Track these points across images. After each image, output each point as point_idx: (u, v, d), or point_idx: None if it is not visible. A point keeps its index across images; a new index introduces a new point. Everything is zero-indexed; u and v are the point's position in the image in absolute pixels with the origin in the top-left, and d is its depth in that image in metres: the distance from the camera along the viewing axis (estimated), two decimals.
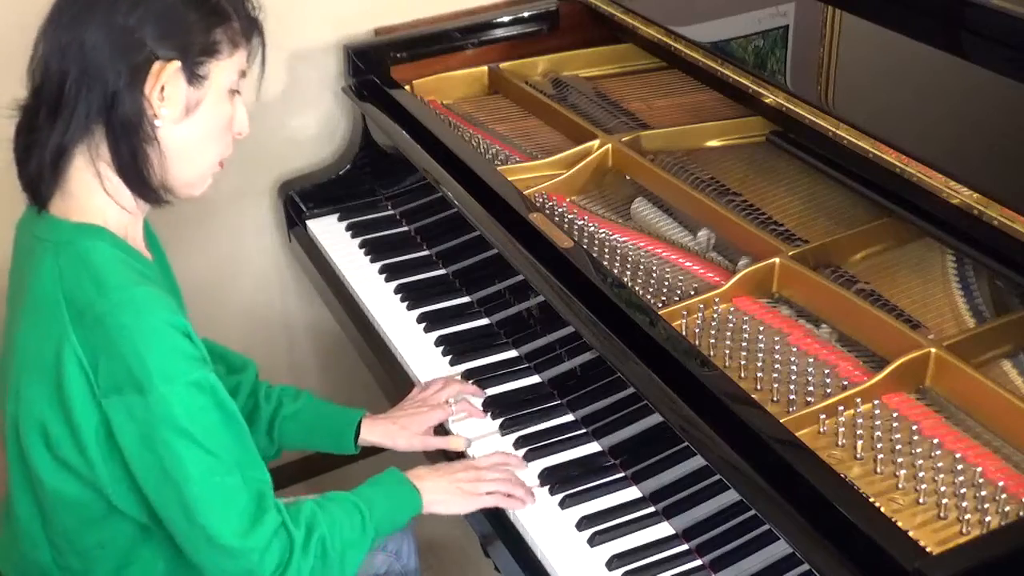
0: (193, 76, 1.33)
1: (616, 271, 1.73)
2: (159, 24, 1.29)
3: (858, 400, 1.46)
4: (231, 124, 1.41)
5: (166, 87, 1.31)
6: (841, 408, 1.46)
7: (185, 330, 1.31)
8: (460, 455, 1.68)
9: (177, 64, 1.30)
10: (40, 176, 1.34)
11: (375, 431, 1.71)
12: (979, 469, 1.37)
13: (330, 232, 2.21)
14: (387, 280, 2.04)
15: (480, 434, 1.69)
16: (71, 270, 1.31)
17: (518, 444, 1.65)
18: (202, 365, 1.32)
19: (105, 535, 1.39)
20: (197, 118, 1.35)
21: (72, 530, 1.40)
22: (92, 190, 1.35)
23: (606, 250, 1.78)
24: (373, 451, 2.55)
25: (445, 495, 1.55)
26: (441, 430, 1.72)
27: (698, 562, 1.45)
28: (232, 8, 1.36)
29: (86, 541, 1.40)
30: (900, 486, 1.37)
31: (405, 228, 2.19)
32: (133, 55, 1.29)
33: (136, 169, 1.33)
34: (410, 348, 1.88)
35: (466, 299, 1.97)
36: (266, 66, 1.45)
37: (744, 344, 1.58)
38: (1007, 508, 1.32)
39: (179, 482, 1.30)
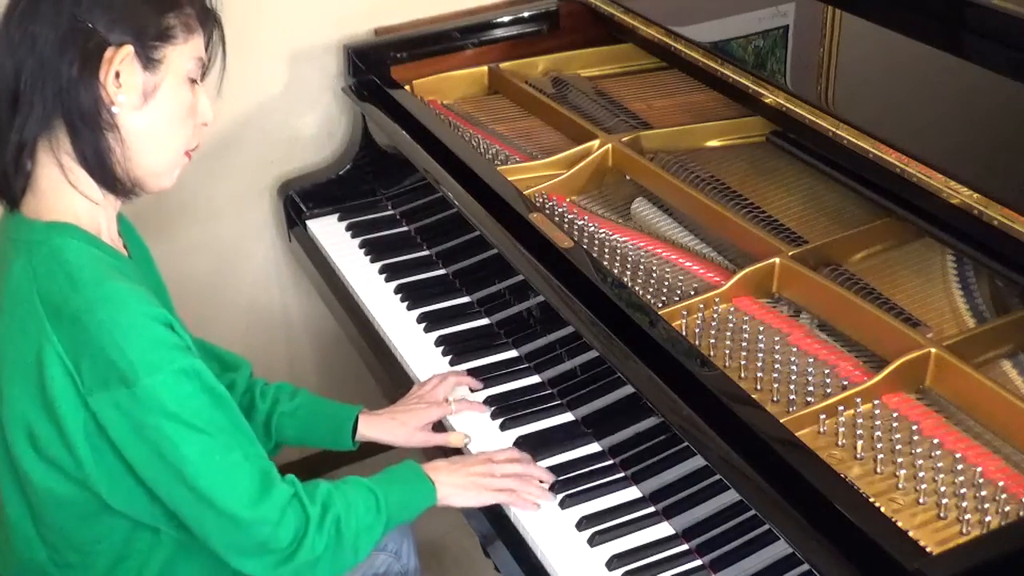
0: (148, 60, 1.31)
1: (616, 271, 1.73)
2: (109, 10, 1.28)
3: (858, 400, 1.46)
4: (193, 112, 1.38)
5: (121, 73, 1.29)
6: (841, 408, 1.46)
7: (165, 319, 1.30)
8: (457, 452, 1.68)
9: (130, 49, 1.29)
10: (5, 174, 1.33)
11: (372, 427, 1.71)
12: (979, 469, 1.37)
13: (330, 232, 2.21)
14: (387, 280, 2.04)
15: (480, 433, 1.69)
16: (44, 269, 1.30)
17: (518, 444, 1.65)
18: (186, 352, 1.31)
19: (100, 530, 1.39)
20: (156, 104, 1.33)
21: (66, 527, 1.39)
22: (60, 186, 1.34)
23: (606, 250, 1.78)
24: (375, 452, 2.56)
25: (460, 488, 1.55)
26: (440, 427, 1.73)
27: (698, 562, 1.45)
28: None
29: (82, 536, 1.40)
30: (900, 486, 1.37)
31: (405, 228, 2.19)
32: (84, 43, 1.27)
33: (99, 159, 1.32)
34: (410, 348, 1.89)
35: (466, 299, 1.97)
36: (227, 61, 1.42)
37: (744, 344, 1.58)
38: (1007, 508, 1.32)
39: (178, 466, 1.29)
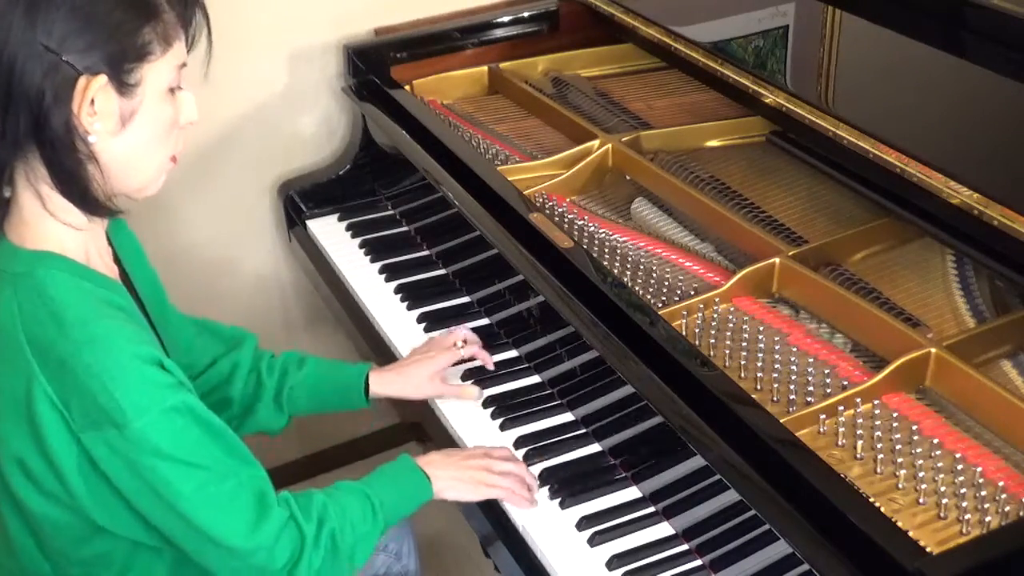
0: (123, 86, 1.25)
1: (616, 271, 1.73)
2: (80, 35, 1.21)
3: (858, 400, 1.46)
4: (175, 122, 1.32)
5: (96, 101, 1.23)
6: (841, 408, 1.46)
7: (153, 358, 1.27)
8: (453, 444, 1.68)
9: (104, 78, 1.23)
10: None
11: (384, 382, 1.71)
12: (979, 469, 1.37)
13: (330, 232, 2.21)
14: (387, 280, 2.04)
15: (480, 433, 1.69)
16: (29, 305, 1.27)
17: (518, 444, 1.65)
18: (176, 390, 1.28)
19: (100, 550, 1.39)
20: (135, 127, 1.28)
21: (66, 548, 1.38)
22: (41, 216, 1.29)
23: (606, 250, 1.78)
24: (376, 448, 2.57)
25: (456, 482, 1.54)
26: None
27: (698, 562, 1.45)
28: None
29: (82, 554, 1.39)
30: (900, 486, 1.37)
31: (405, 228, 2.19)
32: (55, 72, 1.21)
33: (78, 188, 1.27)
34: (410, 348, 1.88)
35: (466, 299, 1.97)
36: (213, 43, 1.35)
37: (744, 344, 1.58)
38: (1007, 508, 1.32)
39: (173, 501, 1.29)
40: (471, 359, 1.78)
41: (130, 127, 1.28)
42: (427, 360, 1.72)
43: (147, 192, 1.36)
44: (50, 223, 1.31)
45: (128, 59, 1.25)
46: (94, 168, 1.28)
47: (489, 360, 1.75)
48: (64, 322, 1.26)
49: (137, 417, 1.24)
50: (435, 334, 1.86)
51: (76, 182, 1.27)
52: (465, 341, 1.76)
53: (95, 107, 1.24)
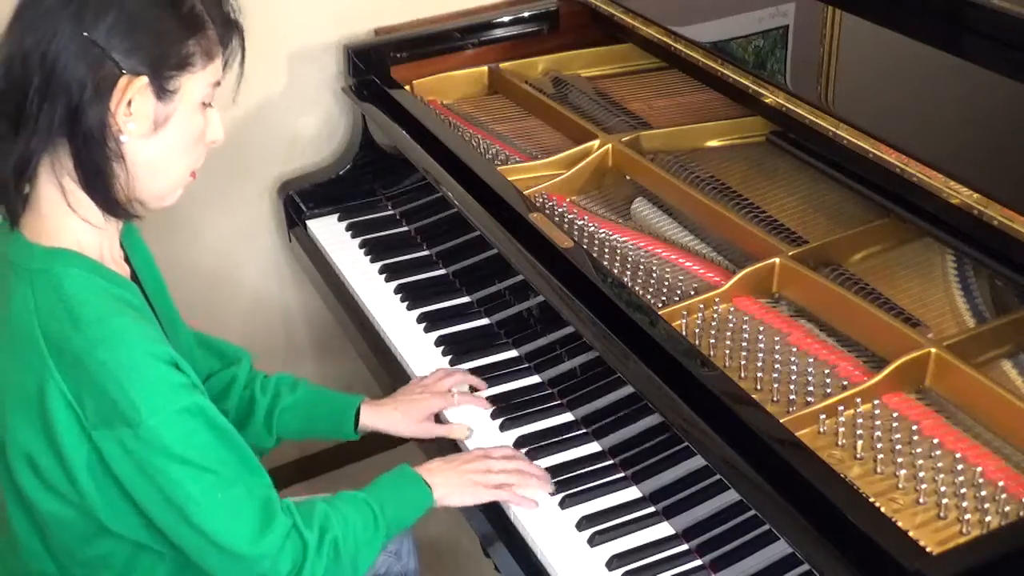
0: (162, 91, 1.27)
1: (616, 271, 1.73)
2: (127, 36, 1.24)
3: (858, 400, 1.46)
4: (203, 136, 1.36)
5: (133, 102, 1.25)
6: (841, 408, 1.46)
7: (168, 358, 1.28)
8: (454, 445, 1.68)
9: (145, 79, 1.25)
10: (6, 188, 1.30)
11: (375, 416, 1.71)
12: (979, 469, 1.37)
13: (330, 232, 2.21)
14: (387, 280, 2.04)
15: (480, 433, 1.69)
16: (46, 302, 1.28)
17: (518, 444, 1.65)
18: (190, 391, 1.29)
19: (104, 549, 1.39)
20: (166, 133, 1.30)
21: (70, 546, 1.39)
22: (61, 210, 1.31)
23: (606, 250, 1.79)
24: (374, 449, 2.57)
25: (456, 488, 1.55)
26: (438, 420, 1.73)
27: (698, 562, 1.45)
28: (208, 15, 1.30)
29: (86, 554, 1.39)
30: (900, 486, 1.37)
31: (405, 228, 2.19)
32: (98, 68, 1.23)
33: (101, 185, 1.29)
34: (410, 348, 1.89)
35: (466, 299, 1.97)
36: (244, 69, 1.39)
37: (744, 344, 1.58)
38: (1007, 508, 1.32)
39: (181, 504, 1.29)
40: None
41: (161, 133, 1.30)
42: (422, 402, 1.72)
43: (164, 202, 1.38)
44: (69, 219, 1.32)
45: (170, 66, 1.27)
46: (120, 168, 1.29)
47: (484, 403, 1.73)
48: (80, 319, 1.26)
49: (151, 415, 1.25)
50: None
51: (101, 179, 1.29)
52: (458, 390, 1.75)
53: (132, 108, 1.26)
